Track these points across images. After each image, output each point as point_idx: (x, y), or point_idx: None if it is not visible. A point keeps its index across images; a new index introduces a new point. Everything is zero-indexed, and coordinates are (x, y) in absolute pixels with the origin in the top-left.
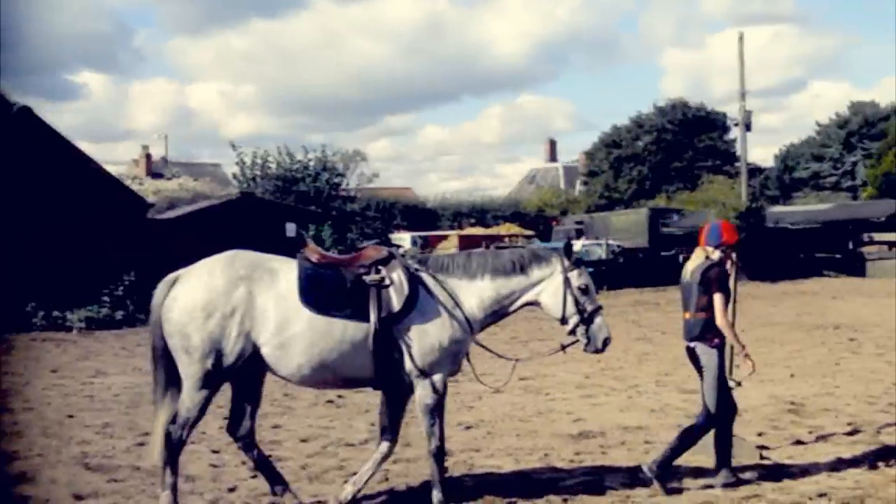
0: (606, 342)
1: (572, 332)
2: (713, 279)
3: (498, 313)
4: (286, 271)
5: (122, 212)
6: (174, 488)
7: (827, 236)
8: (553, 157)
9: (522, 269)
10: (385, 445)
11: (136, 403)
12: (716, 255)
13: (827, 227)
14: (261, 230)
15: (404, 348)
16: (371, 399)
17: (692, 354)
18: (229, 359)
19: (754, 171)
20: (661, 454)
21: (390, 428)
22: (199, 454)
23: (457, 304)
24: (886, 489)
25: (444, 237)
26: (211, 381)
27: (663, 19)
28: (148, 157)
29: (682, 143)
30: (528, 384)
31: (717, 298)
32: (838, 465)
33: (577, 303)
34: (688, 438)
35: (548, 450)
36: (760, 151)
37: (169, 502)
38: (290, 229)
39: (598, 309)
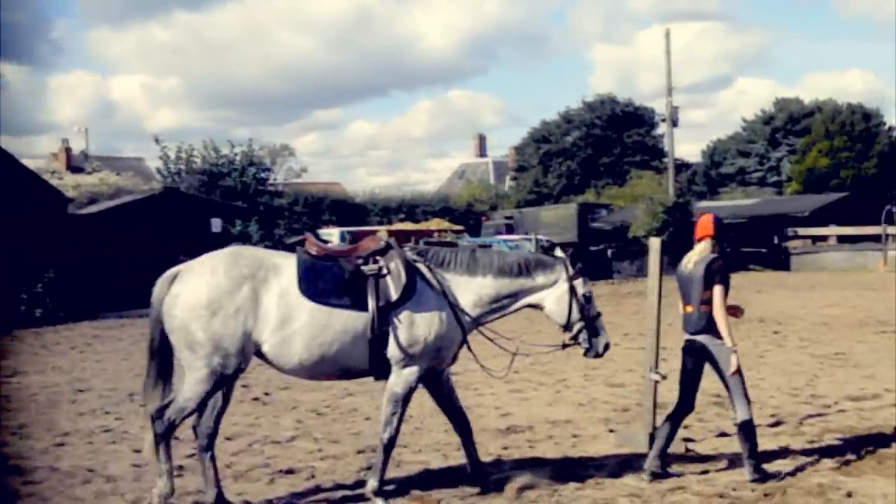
0: (607, 347)
1: (574, 337)
2: (717, 271)
3: (496, 311)
4: (288, 266)
5: (40, 207)
6: (171, 474)
7: (752, 231)
8: (482, 152)
9: (528, 273)
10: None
11: (54, 403)
12: (716, 248)
13: (752, 221)
14: (185, 225)
15: (392, 336)
16: (297, 396)
17: (691, 347)
18: (234, 358)
19: (681, 166)
20: (748, 465)
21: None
22: (121, 454)
23: (448, 300)
24: (808, 479)
25: (374, 232)
26: (215, 377)
27: (592, 15)
28: (68, 150)
29: (611, 139)
30: (456, 379)
31: (719, 290)
32: (762, 455)
33: (581, 310)
34: (748, 435)
35: (475, 445)
36: (688, 147)
37: (167, 489)
38: (216, 225)
39: (598, 315)
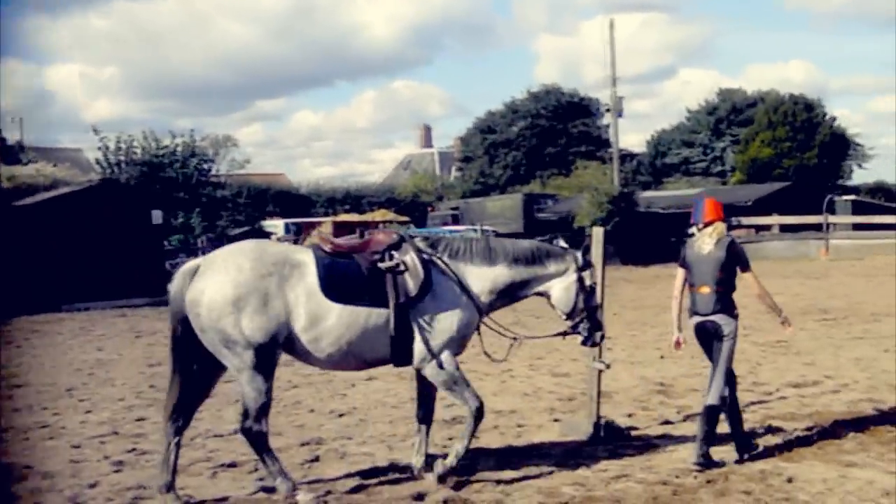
0: (602, 337)
1: (575, 326)
2: (740, 253)
3: (508, 297)
4: (312, 264)
5: None
6: (283, 473)
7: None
8: (428, 142)
9: (541, 261)
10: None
11: None
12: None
13: None
14: (125, 218)
15: (417, 331)
16: (241, 389)
17: (704, 329)
18: (269, 347)
19: (626, 156)
20: (698, 449)
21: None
22: (58, 449)
23: (466, 289)
24: (750, 466)
25: (319, 224)
26: (262, 367)
27: (536, 5)
28: (2, 141)
29: (556, 129)
30: (401, 370)
31: (751, 273)
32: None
33: (585, 301)
34: (710, 420)
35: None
36: (633, 137)
37: (289, 486)
38: (157, 216)
39: (598, 307)
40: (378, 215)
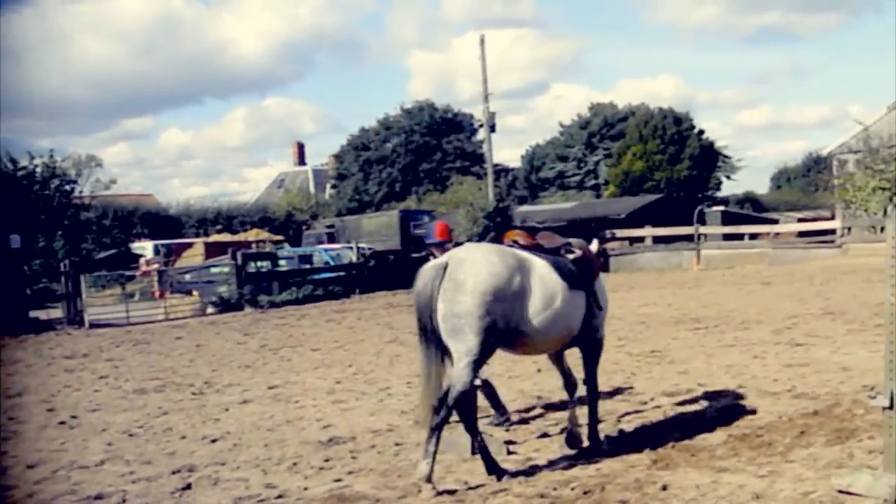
0: None
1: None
2: None
3: None
4: (533, 258)
5: None
6: (434, 457)
7: (572, 233)
8: (302, 160)
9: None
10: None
11: None
12: None
13: (572, 224)
14: None
15: (597, 307)
16: (108, 418)
17: None
18: (503, 335)
19: (501, 171)
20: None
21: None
22: None
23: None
24: (626, 475)
25: (190, 245)
26: (486, 356)
27: (408, 21)
28: None
29: (431, 145)
30: (277, 392)
31: None
32: (582, 454)
33: None
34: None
35: (297, 458)
36: (508, 152)
37: (427, 472)
38: (15, 241)
39: None
40: (251, 235)
